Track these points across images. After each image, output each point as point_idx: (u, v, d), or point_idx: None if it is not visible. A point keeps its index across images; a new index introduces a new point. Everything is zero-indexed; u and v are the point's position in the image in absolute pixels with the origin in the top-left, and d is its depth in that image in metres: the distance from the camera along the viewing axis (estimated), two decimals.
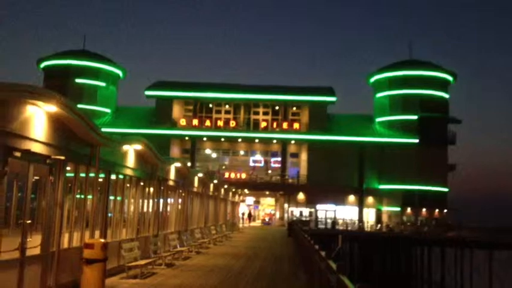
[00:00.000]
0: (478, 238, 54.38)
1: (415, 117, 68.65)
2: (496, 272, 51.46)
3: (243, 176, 68.76)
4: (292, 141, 70.17)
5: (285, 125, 69.93)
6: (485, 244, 53.51)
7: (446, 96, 71.48)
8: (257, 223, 67.38)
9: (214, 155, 70.25)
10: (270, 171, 71.21)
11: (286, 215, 65.70)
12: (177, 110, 72.52)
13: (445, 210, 69.06)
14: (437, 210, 67.55)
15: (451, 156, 71.44)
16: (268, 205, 72.48)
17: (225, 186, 44.47)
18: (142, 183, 19.09)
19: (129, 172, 17.18)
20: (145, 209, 19.62)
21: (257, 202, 72.47)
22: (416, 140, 67.23)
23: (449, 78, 71.63)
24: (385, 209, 66.91)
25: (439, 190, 67.81)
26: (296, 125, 70.17)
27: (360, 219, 63.50)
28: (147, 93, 72.13)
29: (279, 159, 70.66)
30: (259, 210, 72.64)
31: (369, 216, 65.85)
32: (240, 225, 54.12)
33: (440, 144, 69.21)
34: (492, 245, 53.40)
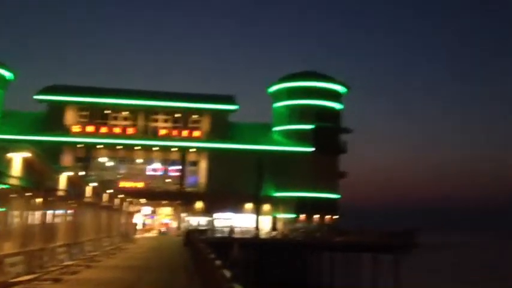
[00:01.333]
0: (366, 242, 57.52)
1: (310, 126, 71.38)
2: (382, 273, 54.78)
3: (140, 185, 67.29)
4: (192, 150, 69.87)
5: (185, 133, 69.49)
6: (372, 247, 56.74)
7: (340, 107, 75.13)
8: (153, 233, 66.10)
9: (110, 164, 68.05)
10: (168, 180, 70.28)
11: (183, 225, 65.17)
12: (70, 116, 69.38)
13: (336, 216, 72.30)
14: (328, 216, 70.58)
15: (342, 164, 75.17)
16: (165, 215, 71.39)
17: (120, 196, 43.22)
18: (28, 194, 18.08)
19: (14, 181, 16.23)
20: (31, 221, 18.59)
21: (154, 212, 71.12)
22: (311, 149, 69.89)
23: (343, 90, 75.39)
24: (281, 216, 68.72)
25: (330, 197, 70.97)
26: (196, 133, 70.00)
27: (257, 227, 64.63)
28: (37, 97, 68.34)
29: (178, 167, 69.99)
30: (155, 220, 71.28)
31: (265, 224, 67.20)
32: (135, 236, 52.82)
33: (333, 153, 72.58)
34: (378, 247, 56.76)
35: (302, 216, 69.05)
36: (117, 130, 68.82)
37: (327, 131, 72.04)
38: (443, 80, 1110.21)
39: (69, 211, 25.32)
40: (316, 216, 69.43)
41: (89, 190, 29.23)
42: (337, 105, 74.65)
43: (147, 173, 70.27)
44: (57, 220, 23.07)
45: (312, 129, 71.39)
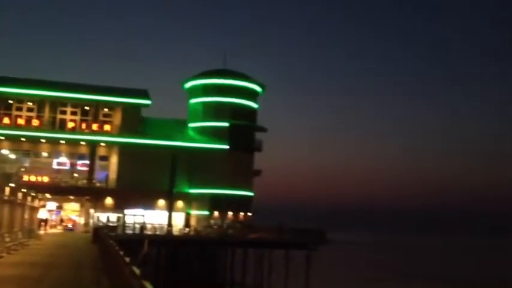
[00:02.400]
0: (279, 239, 58.48)
1: (226, 124, 71.36)
2: (293, 270, 55.93)
3: (46, 179, 63.85)
4: (102, 144, 67.30)
5: (94, 127, 66.71)
6: (285, 244, 57.78)
7: (255, 106, 75.78)
8: (59, 230, 62.96)
9: (13, 156, 63.92)
10: (76, 175, 67.26)
11: (91, 221, 62.64)
12: None
13: (250, 213, 72.91)
14: (242, 213, 71.02)
15: (257, 162, 75.90)
16: (72, 210, 68.22)
17: (24, 190, 40.61)
18: None
19: None
20: None
21: (60, 207, 67.74)
22: (226, 146, 69.89)
23: (259, 89, 76.09)
24: (194, 212, 68.12)
25: (245, 194, 71.42)
26: (107, 127, 67.48)
27: (169, 224, 63.61)
28: None
29: (87, 162, 67.15)
30: (61, 216, 67.92)
31: (178, 220, 66.32)
32: (40, 232, 50.01)
33: (248, 151, 73.08)
34: (291, 244, 57.93)
35: (216, 213, 68.87)
36: (21, 121, 64.83)
37: (243, 129, 72.39)
38: (358, 80, 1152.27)
39: None
40: (230, 214, 69.55)
41: None
42: (253, 104, 75.23)
43: (54, 167, 66.87)
44: None
45: (227, 126, 71.40)
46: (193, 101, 74.33)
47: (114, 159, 68.07)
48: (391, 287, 73.47)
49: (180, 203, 67.39)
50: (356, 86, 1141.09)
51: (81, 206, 66.97)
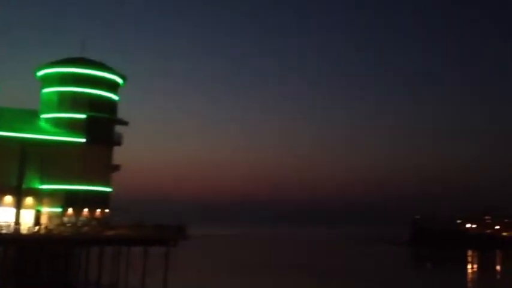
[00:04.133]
0: (138, 235, 57.30)
1: (83, 116, 67.95)
2: (152, 267, 55.21)
3: None
4: None
5: None
6: (144, 241, 56.78)
7: (116, 98, 73.16)
8: None
9: None
10: None
11: None
12: None
13: (107, 210, 70.36)
14: (99, 210, 68.24)
15: (117, 157, 73.42)
16: None
17: None
18: None
19: None
20: None
21: None
22: (83, 140, 66.62)
23: (120, 80, 73.56)
24: (46, 209, 63.91)
25: (102, 190, 68.68)
26: None
27: (17, 222, 58.95)
28: None
29: None
30: None
31: (27, 218, 61.72)
32: None
33: (107, 144, 70.32)
34: (150, 241, 57.08)
35: (70, 210, 65.26)
36: None
37: (101, 122, 69.47)
38: (226, 71, 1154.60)
39: None
40: (86, 210, 66.39)
41: None
42: (113, 96, 72.55)
43: None
44: None
45: (84, 118, 68.02)
46: (46, 90, 69.60)
47: None
48: (245, 278, 75.93)
49: (29, 200, 62.78)
50: (219, 77, 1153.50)
51: None
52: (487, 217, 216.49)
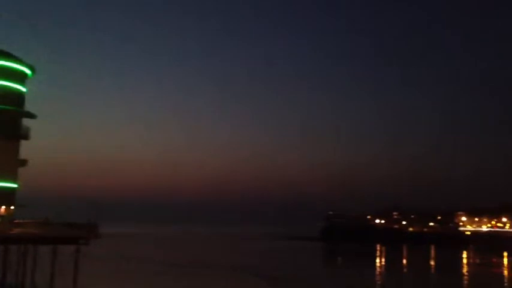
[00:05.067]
0: (47, 233, 54.68)
1: None
2: (61, 266, 52.88)
3: None
4: None
5: None
6: (51, 239, 54.27)
7: (23, 89, 69.24)
8: None
9: None
10: None
11: None
12: None
13: (13, 207, 66.50)
14: (4, 207, 64.31)
15: (24, 151, 69.52)
16: None
17: None
18: None
19: None
20: None
21: None
22: None
23: (28, 71, 69.68)
24: None
25: (7, 186, 64.77)
26: None
27: None
28: None
29: None
30: None
31: None
32: None
33: (13, 138, 66.42)
34: (59, 239, 54.62)
35: None
36: None
37: (7, 114, 65.44)
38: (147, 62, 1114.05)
39: None
40: None
41: None
42: (20, 87, 68.58)
43: None
44: None
45: None
46: None
47: None
48: (151, 277, 74.80)
49: None
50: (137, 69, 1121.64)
51: None
52: (394, 213, 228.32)
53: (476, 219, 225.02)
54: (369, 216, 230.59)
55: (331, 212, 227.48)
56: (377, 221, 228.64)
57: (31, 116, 69.86)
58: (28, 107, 70.09)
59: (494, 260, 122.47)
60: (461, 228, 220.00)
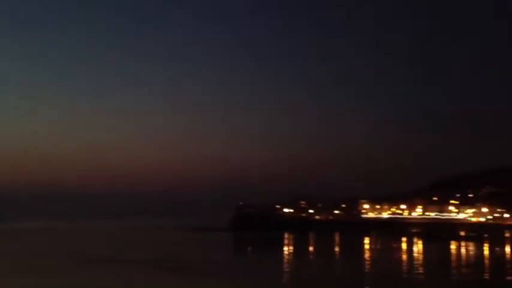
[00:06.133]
0: None
1: None
2: None
3: None
4: None
5: None
6: None
7: None
8: None
9: None
10: None
11: None
12: None
13: None
14: None
15: None
16: None
17: None
18: None
19: None
20: None
21: None
22: None
23: None
24: None
25: None
26: None
27: None
28: None
29: None
30: None
31: None
32: None
33: None
34: None
35: None
36: None
37: None
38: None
39: None
40: None
41: None
42: None
43: None
44: None
45: None
46: None
47: None
48: (59, 273, 71.00)
49: None
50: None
51: None
52: (302, 202, 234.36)
53: (378, 206, 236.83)
54: (277, 206, 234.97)
55: (241, 203, 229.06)
56: (285, 210, 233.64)
57: None
58: None
59: (394, 244, 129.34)
60: (364, 216, 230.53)
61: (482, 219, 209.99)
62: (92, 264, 79.39)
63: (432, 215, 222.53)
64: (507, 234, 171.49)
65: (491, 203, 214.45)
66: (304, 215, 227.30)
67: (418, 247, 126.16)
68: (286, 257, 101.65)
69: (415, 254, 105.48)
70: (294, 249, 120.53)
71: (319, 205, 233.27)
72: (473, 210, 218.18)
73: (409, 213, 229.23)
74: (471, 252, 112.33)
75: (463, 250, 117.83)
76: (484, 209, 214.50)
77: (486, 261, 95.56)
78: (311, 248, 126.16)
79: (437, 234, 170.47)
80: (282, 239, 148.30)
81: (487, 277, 71.22)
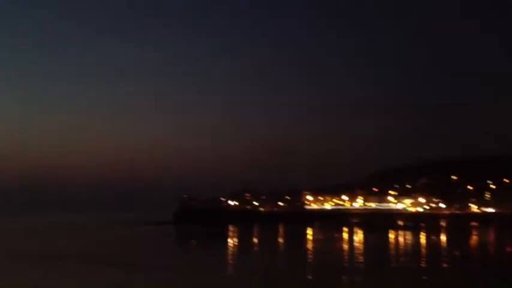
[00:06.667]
0: None
1: None
2: None
3: None
4: None
5: None
6: None
7: None
8: None
9: None
10: None
11: None
12: None
13: None
14: None
15: None
16: None
17: None
18: None
19: None
20: None
21: None
22: None
23: None
24: None
25: None
26: None
27: None
28: None
29: None
30: None
31: None
32: None
33: None
34: None
35: None
36: None
37: None
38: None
39: None
40: None
41: None
42: None
43: None
44: None
45: None
46: None
47: None
48: None
49: None
50: None
51: None
52: (246, 194, 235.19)
53: (321, 198, 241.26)
54: (223, 198, 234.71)
55: (185, 196, 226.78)
56: (230, 202, 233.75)
57: None
58: None
59: (336, 235, 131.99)
60: (307, 207, 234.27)
61: (420, 209, 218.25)
62: (39, 261, 76.36)
63: (373, 205, 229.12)
64: (443, 223, 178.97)
65: (428, 194, 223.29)
66: (249, 207, 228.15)
67: (358, 237, 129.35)
68: (230, 249, 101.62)
69: (356, 244, 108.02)
70: (238, 241, 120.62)
71: (264, 197, 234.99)
72: (411, 200, 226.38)
73: (351, 204, 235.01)
74: (409, 241, 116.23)
75: (401, 239, 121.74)
76: (421, 199, 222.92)
77: (423, 249, 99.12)
78: (255, 240, 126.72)
79: (377, 224, 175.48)
80: (227, 231, 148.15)
81: (424, 265, 73.76)
